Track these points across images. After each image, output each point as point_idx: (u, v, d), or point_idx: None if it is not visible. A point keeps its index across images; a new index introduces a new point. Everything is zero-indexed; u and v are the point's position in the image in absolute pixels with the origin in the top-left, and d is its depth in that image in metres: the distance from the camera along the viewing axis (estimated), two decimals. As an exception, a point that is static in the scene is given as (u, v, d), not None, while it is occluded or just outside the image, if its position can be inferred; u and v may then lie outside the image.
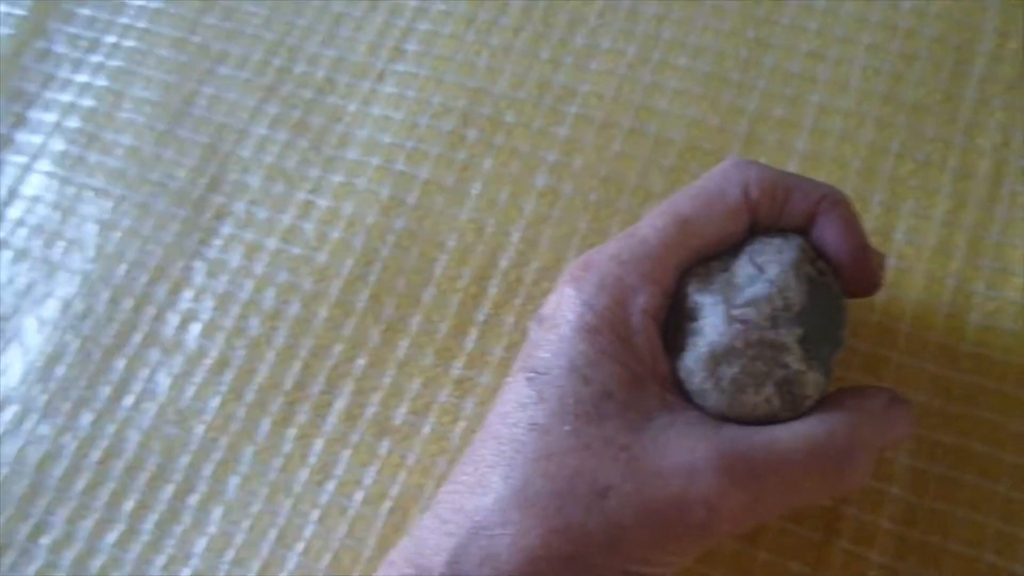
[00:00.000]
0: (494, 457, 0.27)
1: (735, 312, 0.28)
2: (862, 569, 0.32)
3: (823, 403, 0.29)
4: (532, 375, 0.28)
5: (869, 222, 0.37)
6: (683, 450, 0.26)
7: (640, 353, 0.28)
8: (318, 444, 0.36)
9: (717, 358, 0.27)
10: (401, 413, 0.36)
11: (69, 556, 0.36)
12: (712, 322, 0.28)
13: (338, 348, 0.38)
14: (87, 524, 0.37)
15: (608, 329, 0.28)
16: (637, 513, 0.26)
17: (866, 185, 0.38)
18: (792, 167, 0.38)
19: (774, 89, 0.40)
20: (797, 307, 0.28)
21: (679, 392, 0.28)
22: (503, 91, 0.41)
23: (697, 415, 0.27)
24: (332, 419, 0.37)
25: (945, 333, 0.35)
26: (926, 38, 0.40)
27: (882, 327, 0.35)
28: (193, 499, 0.36)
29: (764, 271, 0.28)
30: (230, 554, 0.35)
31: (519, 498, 0.26)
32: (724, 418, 0.28)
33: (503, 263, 0.38)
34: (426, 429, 0.36)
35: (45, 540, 0.36)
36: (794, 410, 0.28)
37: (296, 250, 0.40)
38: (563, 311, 0.28)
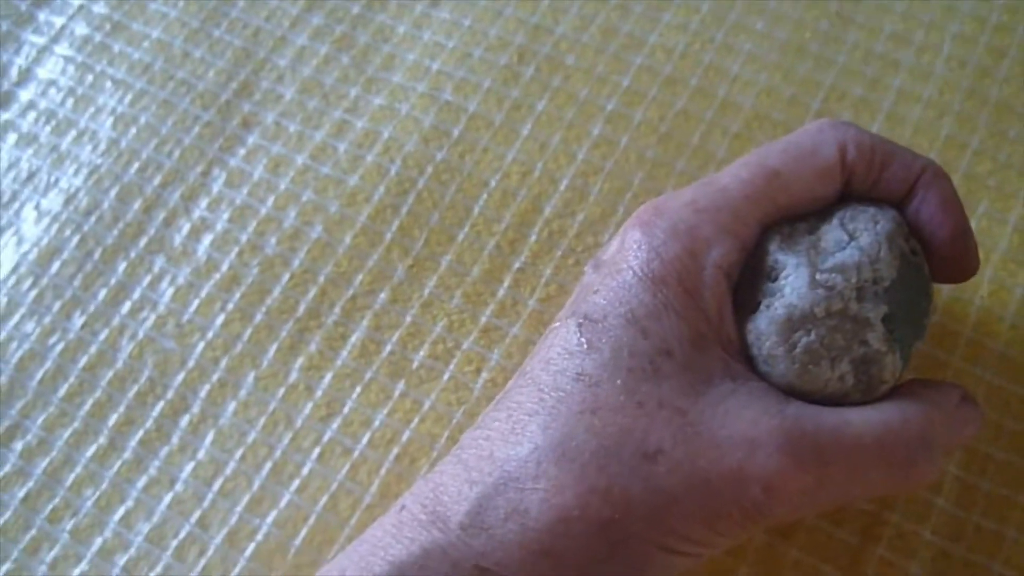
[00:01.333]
0: (533, 405, 0.25)
1: (820, 276, 0.25)
2: (898, 580, 0.30)
3: (895, 392, 0.26)
4: (584, 321, 0.25)
5: (940, 218, 0.35)
6: (745, 421, 0.24)
7: (707, 311, 0.25)
8: (327, 378, 0.34)
9: (794, 323, 0.25)
10: (420, 356, 0.34)
11: (42, 464, 0.33)
12: (793, 284, 0.25)
13: (359, 279, 0.35)
14: (65, 433, 0.34)
15: (675, 281, 0.25)
16: (687, 483, 0.23)
17: (941, 179, 0.35)
18: (864, 150, 0.36)
19: (853, 67, 0.37)
20: (887, 282, 0.25)
21: (744, 359, 0.26)
22: (565, 32, 0.38)
23: (762, 386, 0.25)
24: (345, 353, 0.34)
25: (1008, 344, 0.33)
26: (1018, 35, 0.37)
27: (943, 328, 0.33)
28: (184, 420, 0.33)
29: (855, 238, 0.26)
30: (218, 483, 0.32)
31: (558, 451, 0.24)
32: (790, 390, 0.25)
33: (547, 211, 0.36)
34: (446, 376, 0.33)
35: (18, 444, 0.34)
36: (867, 393, 0.26)
37: (325, 170, 0.37)
38: (626, 256, 0.26)
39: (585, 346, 0.25)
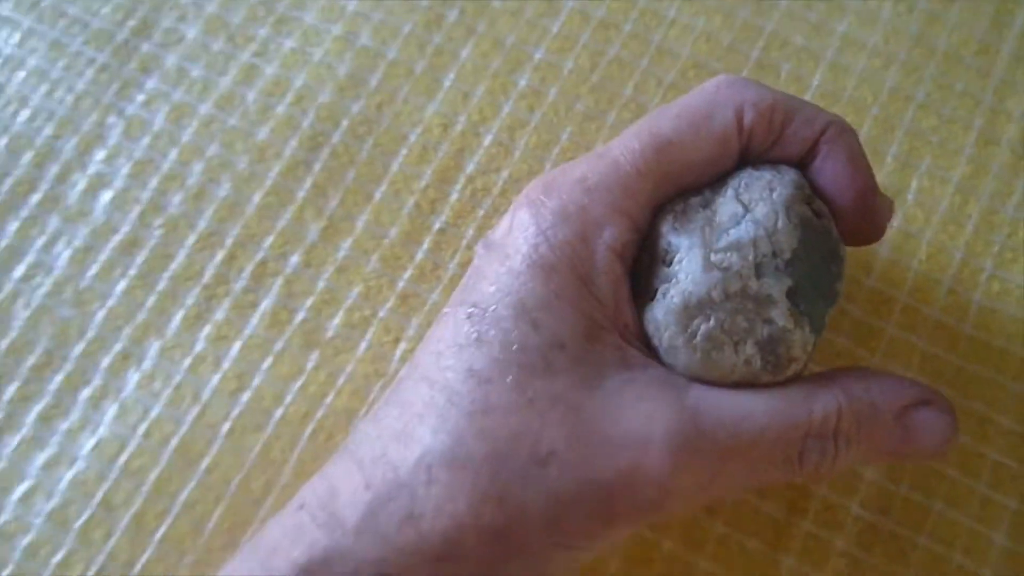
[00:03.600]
0: (423, 405, 0.23)
1: (715, 257, 0.24)
2: (824, 554, 0.29)
3: (820, 376, 0.25)
4: (473, 310, 0.24)
5: (880, 176, 0.33)
6: (639, 416, 0.23)
7: (602, 298, 0.24)
8: (235, 348, 0.32)
9: (691, 310, 0.24)
10: (335, 324, 0.32)
11: (-68, 441, 0.31)
12: (687, 268, 0.24)
13: (269, 241, 0.33)
14: (-43, 406, 0.32)
15: (566, 267, 0.24)
16: (580, 487, 0.22)
17: (883, 135, 0.34)
18: (805, 103, 0.34)
19: (797, 11, 0.35)
20: (788, 254, 0.24)
21: (644, 347, 0.25)
22: (492, -31, 0.36)
23: (660, 374, 0.24)
24: (255, 321, 0.32)
25: (945, 311, 0.32)
26: (969, -22, 0.35)
27: (877, 294, 0.32)
28: (85, 393, 0.31)
29: (751, 210, 0.24)
30: (122, 459, 0.31)
31: (448, 456, 0.23)
32: (697, 380, 0.24)
33: (470, 167, 0.33)
34: (363, 346, 0.32)
35: (-95, 419, 0.31)
36: (777, 373, 0.24)
37: (232, 121, 0.34)
38: (516, 239, 0.24)
39: (475, 338, 0.23)
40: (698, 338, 0.24)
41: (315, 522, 0.23)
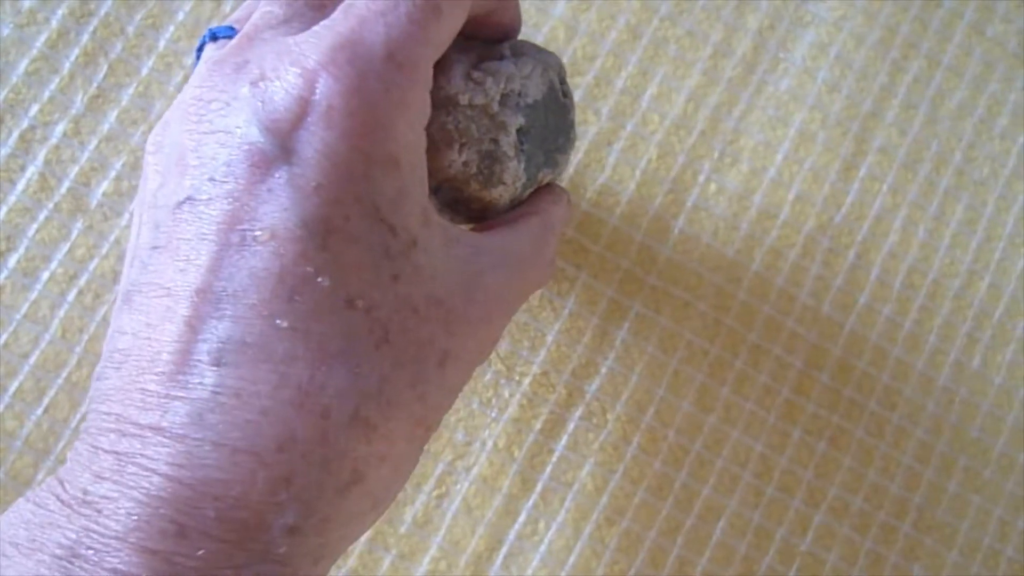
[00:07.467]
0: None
1: (475, 73, 0.27)
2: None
3: (530, 211, 0.29)
4: (305, 232, 0.20)
5: (621, 81, 0.37)
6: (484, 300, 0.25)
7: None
8: (1, 212, 0.33)
9: (439, 103, 0.26)
10: (99, 194, 0.34)
11: None
12: (451, 75, 0.26)
13: (35, 109, 0.34)
14: None
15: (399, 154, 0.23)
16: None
17: (625, 44, 0.37)
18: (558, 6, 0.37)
19: (563, -86, 0.37)
20: (530, 100, 0.27)
21: None
22: None
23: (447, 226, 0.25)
24: (20, 187, 0.33)
25: (663, 207, 0.36)
26: None
27: (606, 188, 0.36)
28: None
29: (518, 58, 0.28)
30: None
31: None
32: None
33: (239, 48, 0.35)
34: (127, 216, 0.34)
35: None
36: (486, 184, 0.27)
37: (-2, -18, 0.34)
38: (334, 119, 0.21)
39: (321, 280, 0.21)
40: (434, 127, 0.26)
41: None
